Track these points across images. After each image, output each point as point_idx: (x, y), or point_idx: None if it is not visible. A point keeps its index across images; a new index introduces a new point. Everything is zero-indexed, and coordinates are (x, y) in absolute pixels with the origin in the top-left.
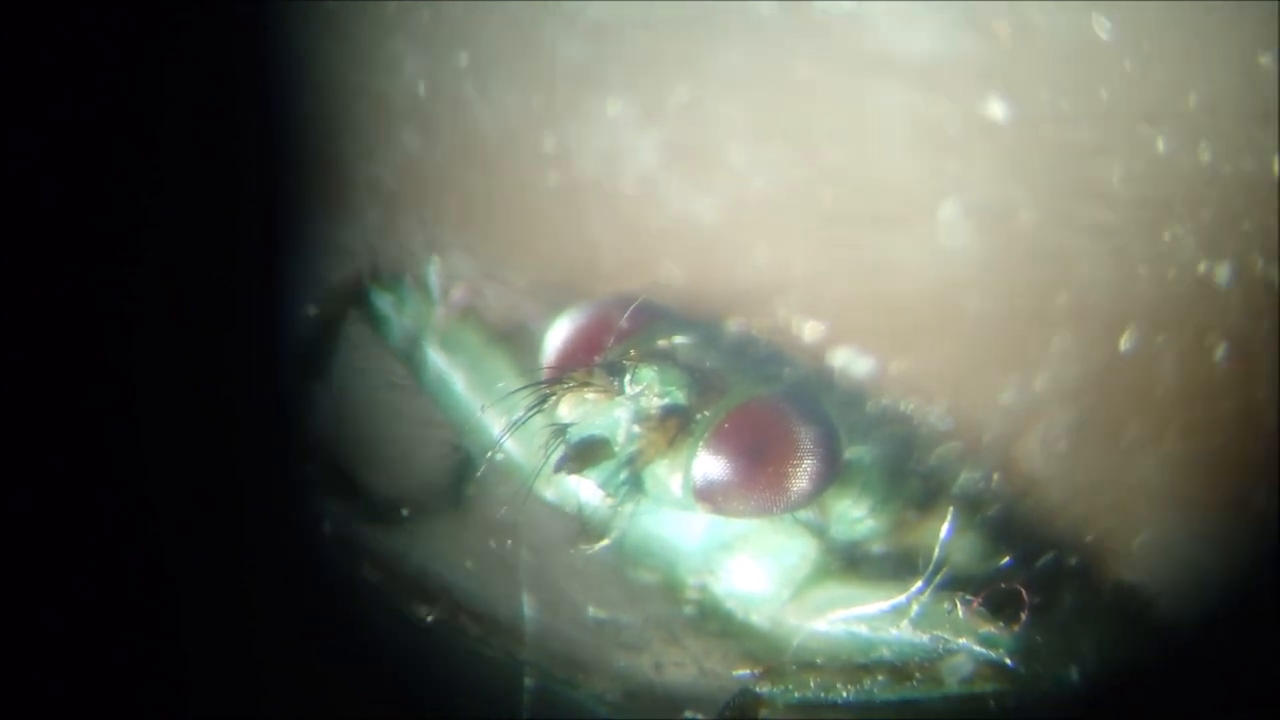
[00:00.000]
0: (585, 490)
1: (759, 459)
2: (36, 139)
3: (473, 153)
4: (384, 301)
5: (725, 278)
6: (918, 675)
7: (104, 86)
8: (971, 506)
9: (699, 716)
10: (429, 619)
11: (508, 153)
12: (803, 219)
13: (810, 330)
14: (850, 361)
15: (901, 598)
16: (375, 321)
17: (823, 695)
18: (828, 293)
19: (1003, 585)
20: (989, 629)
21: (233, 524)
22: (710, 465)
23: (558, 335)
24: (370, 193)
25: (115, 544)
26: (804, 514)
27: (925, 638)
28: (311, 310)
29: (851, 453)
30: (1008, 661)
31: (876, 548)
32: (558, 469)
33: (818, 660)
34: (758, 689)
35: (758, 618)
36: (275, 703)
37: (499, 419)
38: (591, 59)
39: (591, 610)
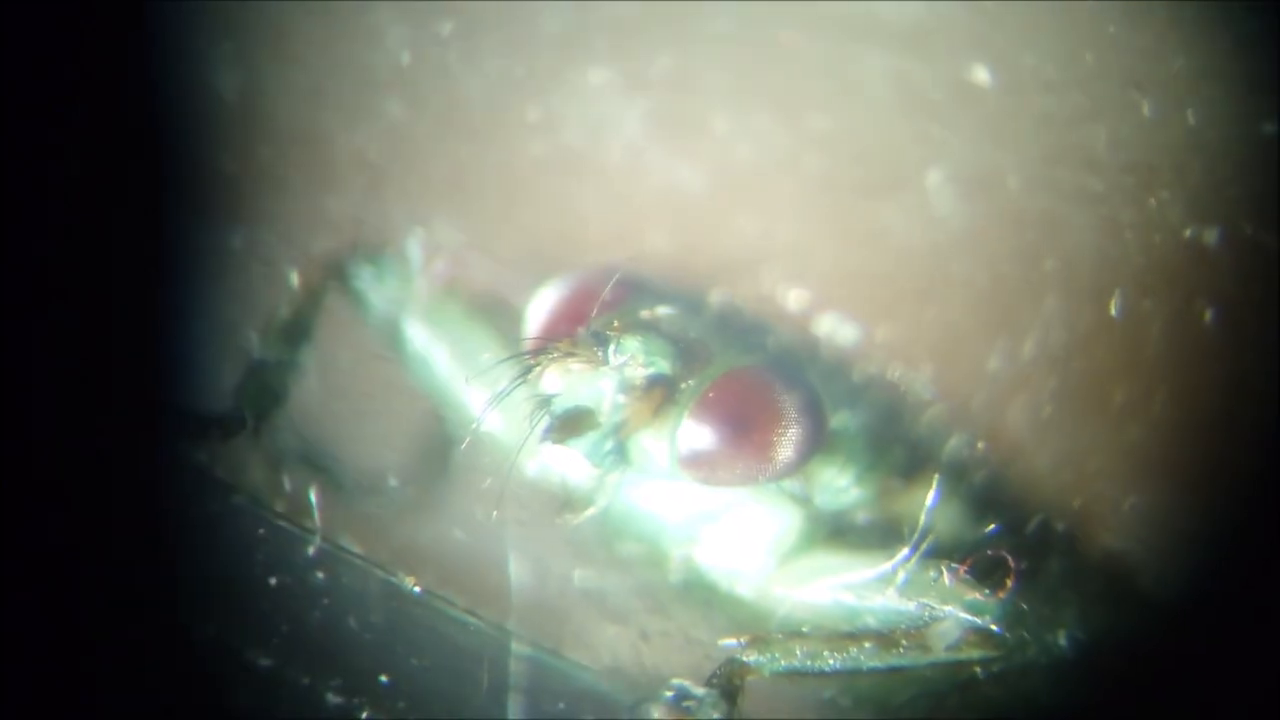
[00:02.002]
0: (569, 462)
1: (744, 428)
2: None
3: (457, 122)
4: (365, 275)
5: (710, 246)
6: (904, 643)
7: (76, 61)
8: (957, 473)
9: (686, 684)
10: (416, 588)
11: (492, 122)
12: (788, 187)
13: (795, 298)
14: (835, 329)
15: (887, 566)
16: (356, 297)
17: (809, 664)
18: (813, 261)
19: (989, 552)
20: (975, 596)
21: (215, 496)
22: (695, 434)
23: (542, 306)
24: (354, 163)
25: (97, 528)
26: (789, 484)
27: (912, 605)
28: (295, 281)
29: (836, 421)
30: (994, 628)
31: (862, 517)
32: (543, 439)
33: (804, 629)
34: (744, 658)
35: (743, 588)
36: (262, 677)
37: (483, 390)
38: (575, 27)
39: (578, 580)
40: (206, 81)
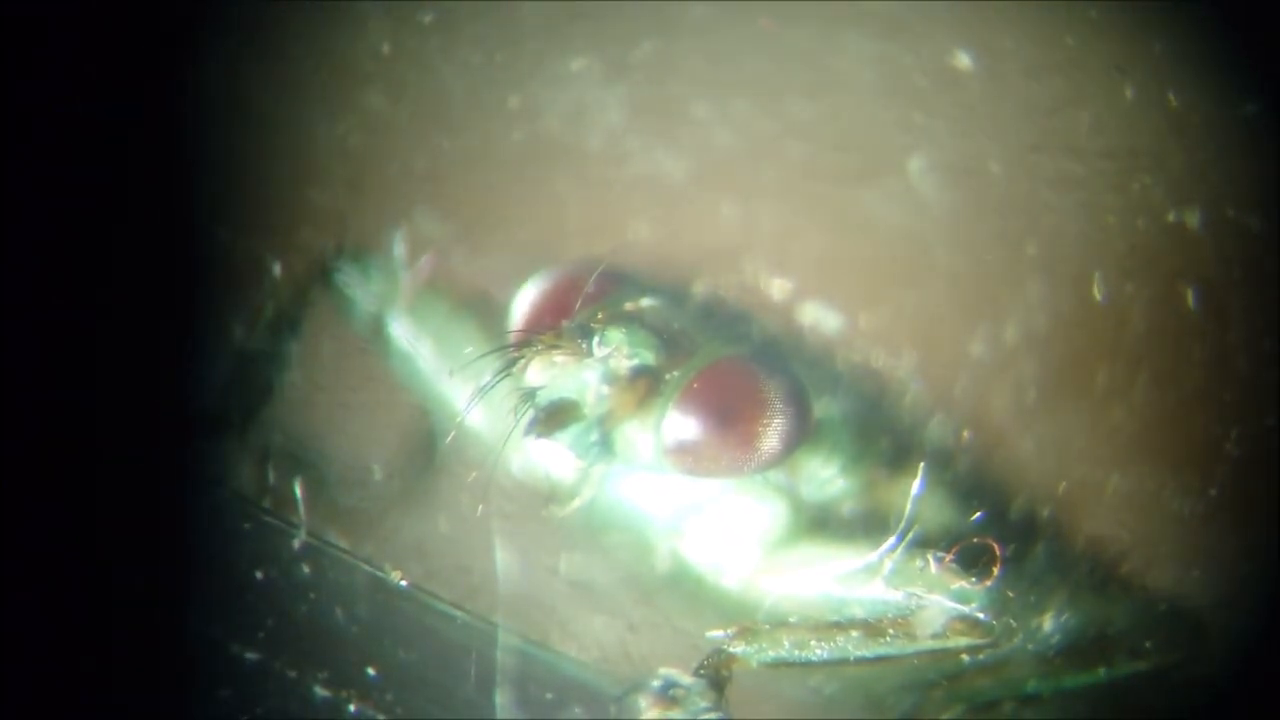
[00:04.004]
0: (554, 455)
1: (728, 418)
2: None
3: (438, 113)
4: (348, 271)
5: (693, 235)
6: (891, 631)
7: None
8: (942, 461)
9: (673, 673)
10: (402, 582)
11: (473, 112)
12: (770, 174)
13: (779, 287)
14: (819, 318)
15: (873, 555)
16: (339, 293)
17: (797, 653)
18: (796, 249)
19: (975, 540)
20: (962, 584)
21: (200, 490)
22: (680, 425)
23: (525, 300)
24: (336, 154)
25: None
26: (774, 475)
27: (898, 594)
28: (278, 275)
29: (821, 411)
30: (981, 615)
31: (847, 507)
32: (528, 432)
33: (791, 619)
34: (731, 648)
35: (729, 579)
36: (249, 670)
37: (467, 384)
38: (555, 14)
39: (564, 573)
40: (187, 74)
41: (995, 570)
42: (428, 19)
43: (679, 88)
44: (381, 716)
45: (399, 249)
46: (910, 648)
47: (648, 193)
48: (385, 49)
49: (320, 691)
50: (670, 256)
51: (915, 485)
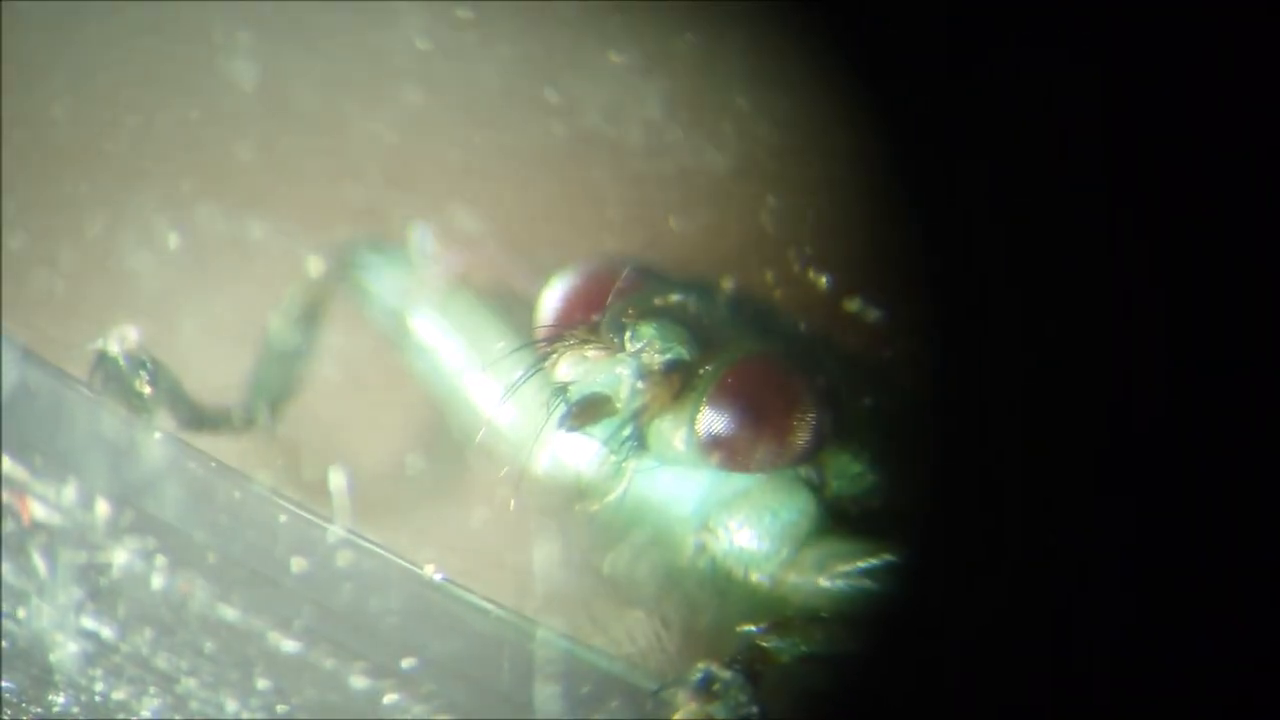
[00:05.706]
0: (585, 450)
1: (763, 413)
2: None
3: (474, 106)
4: (371, 267)
5: (733, 229)
6: None
7: None
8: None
9: (712, 667)
10: (437, 575)
11: (509, 106)
12: (813, 168)
13: (819, 281)
14: (856, 312)
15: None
16: (360, 288)
17: (830, 647)
18: (838, 243)
19: None
20: None
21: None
22: (714, 419)
23: (556, 294)
24: (372, 150)
25: None
26: (804, 470)
27: None
28: (312, 270)
29: (853, 406)
30: None
31: (877, 502)
32: (561, 426)
33: (823, 614)
34: (764, 643)
35: (760, 574)
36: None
37: (496, 380)
38: (592, 7)
39: (596, 568)
40: (225, 70)
41: None
42: (464, 13)
43: (719, 80)
44: (419, 707)
45: (425, 245)
46: None
47: (688, 185)
48: (421, 44)
49: (358, 681)
50: (710, 248)
51: None
